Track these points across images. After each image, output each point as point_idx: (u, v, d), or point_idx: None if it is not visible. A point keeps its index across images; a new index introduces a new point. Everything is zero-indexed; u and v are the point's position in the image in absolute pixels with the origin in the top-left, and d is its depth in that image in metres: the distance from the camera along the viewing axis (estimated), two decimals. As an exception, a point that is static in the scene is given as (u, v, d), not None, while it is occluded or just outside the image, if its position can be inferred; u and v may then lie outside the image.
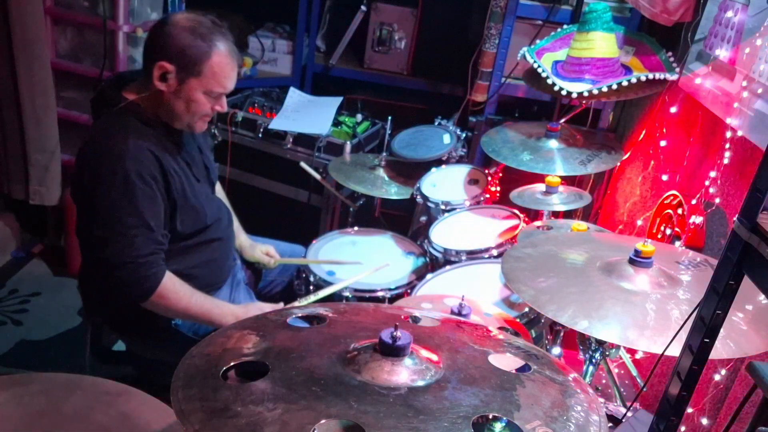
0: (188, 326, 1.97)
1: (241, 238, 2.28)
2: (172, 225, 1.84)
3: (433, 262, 2.30)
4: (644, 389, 1.36)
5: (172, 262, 1.87)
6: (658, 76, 2.26)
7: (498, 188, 2.59)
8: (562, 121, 2.63)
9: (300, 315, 1.30)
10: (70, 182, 1.82)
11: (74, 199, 1.84)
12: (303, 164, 2.91)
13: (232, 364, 1.07)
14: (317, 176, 2.91)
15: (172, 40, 1.73)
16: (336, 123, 3.20)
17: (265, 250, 2.30)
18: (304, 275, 2.27)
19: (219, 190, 2.21)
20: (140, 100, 1.80)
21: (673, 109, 2.37)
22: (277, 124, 3.15)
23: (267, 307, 1.92)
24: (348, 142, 3.05)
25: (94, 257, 1.80)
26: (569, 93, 2.28)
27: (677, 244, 1.92)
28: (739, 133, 1.86)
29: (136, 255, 1.72)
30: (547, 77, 2.36)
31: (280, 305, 1.96)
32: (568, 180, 2.40)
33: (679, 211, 1.95)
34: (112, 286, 1.77)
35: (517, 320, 1.80)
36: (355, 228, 2.57)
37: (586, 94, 2.26)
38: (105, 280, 1.78)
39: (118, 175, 1.70)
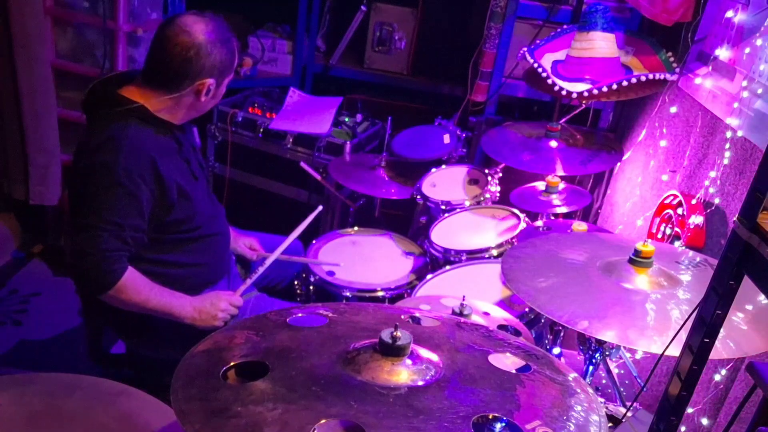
0: None
1: None
2: (165, 219, 1.85)
3: (433, 262, 2.30)
4: (644, 389, 1.36)
5: (172, 253, 1.91)
6: (658, 76, 2.26)
7: (498, 188, 2.59)
8: (562, 121, 2.63)
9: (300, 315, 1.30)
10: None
11: (68, 188, 1.87)
12: (303, 164, 2.91)
13: (232, 364, 1.07)
14: (317, 176, 2.91)
15: (212, 57, 1.79)
16: (336, 123, 3.20)
17: (248, 244, 2.29)
18: (304, 275, 2.27)
19: None
20: (144, 99, 1.82)
21: (673, 109, 2.37)
22: (277, 124, 3.15)
23: (223, 294, 1.93)
24: (348, 142, 3.05)
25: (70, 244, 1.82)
26: (569, 93, 2.28)
27: (677, 244, 1.92)
28: (739, 133, 1.86)
29: (101, 249, 1.74)
30: (547, 77, 2.36)
31: (233, 293, 1.97)
32: (568, 180, 2.40)
33: (679, 211, 1.95)
34: (74, 274, 1.81)
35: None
36: (355, 228, 2.57)
37: (586, 94, 2.26)
38: (71, 268, 1.81)
39: (107, 168, 1.74)
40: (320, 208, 2.33)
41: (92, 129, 1.84)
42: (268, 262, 2.06)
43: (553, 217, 2.38)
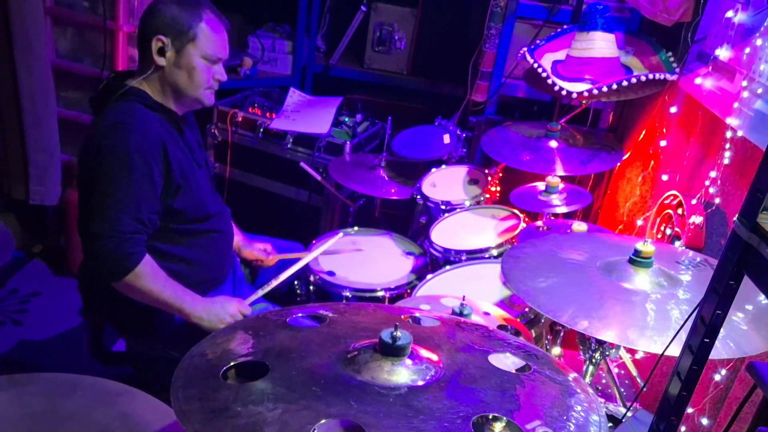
0: None
1: (238, 236, 2.28)
2: (173, 205, 1.86)
3: (433, 262, 2.30)
4: (644, 389, 1.36)
5: (173, 246, 1.91)
6: (658, 76, 2.26)
7: (498, 188, 2.59)
8: (562, 121, 2.63)
9: (301, 315, 1.30)
10: (77, 169, 1.84)
11: (78, 182, 1.86)
12: (303, 164, 2.92)
13: (232, 364, 1.07)
14: (317, 176, 2.91)
15: (163, 14, 1.80)
16: (336, 123, 3.20)
17: (262, 247, 2.28)
18: (304, 275, 2.27)
19: None
20: (144, 85, 1.85)
21: (673, 109, 2.37)
22: (277, 124, 3.15)
23: (234, 300, 1.93)
24: (348, 142, 3.05)
25: (83, 231, 1.81)
26: (569, 93, 2.28)
27: (677, 244, 1.92)
28: (739, 133, 1.86)
29: (120, 231, 1.73)
30: (547, 77, 2.36)
31: (242, 300, 1.96)
32: (568, 180, 2.40)
33: (679, 211, 1.95)
34: (91, 260, 1.78)
35: (517, 320, 1.80)
36: (355, 228, 2.57)
37: (586, 94, 2.26)
38: (86, 255, 1.79)
39: (120, 150, 1.73)
40: (340, 233, 2.35)
41: (99, 117, 1.84)
42: (282, 277, 2.05)
43: (553, 217, 2.38)
